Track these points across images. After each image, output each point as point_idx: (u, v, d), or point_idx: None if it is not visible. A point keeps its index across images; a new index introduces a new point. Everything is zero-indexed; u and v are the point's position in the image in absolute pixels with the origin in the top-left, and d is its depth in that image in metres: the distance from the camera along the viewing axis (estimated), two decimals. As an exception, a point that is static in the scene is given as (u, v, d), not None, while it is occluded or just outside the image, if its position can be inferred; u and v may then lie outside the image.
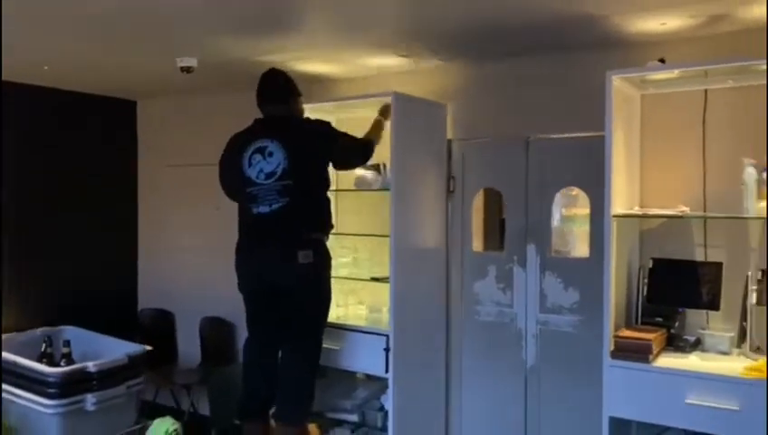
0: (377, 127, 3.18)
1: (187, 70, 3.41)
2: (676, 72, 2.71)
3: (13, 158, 4.12)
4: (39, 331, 2.70)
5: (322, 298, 3.02)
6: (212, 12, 2.68)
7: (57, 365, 2.30)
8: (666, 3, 2.51)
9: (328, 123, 3.05)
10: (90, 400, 2.16)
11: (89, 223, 4.58)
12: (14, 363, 2.26)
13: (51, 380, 2.14)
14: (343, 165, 3.15)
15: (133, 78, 4.12)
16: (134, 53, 3.44)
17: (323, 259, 2.97)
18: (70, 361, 2.36)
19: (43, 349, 2.39)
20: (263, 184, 2.86)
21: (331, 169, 3.08)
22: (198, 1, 2.53)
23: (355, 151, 3.06)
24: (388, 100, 3.18)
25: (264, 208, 2.86)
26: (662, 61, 2.83)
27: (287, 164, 2.84)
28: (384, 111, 3.22)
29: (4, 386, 2.28)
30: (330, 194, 3.14)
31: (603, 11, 2.63)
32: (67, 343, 2.39)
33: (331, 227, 3.07)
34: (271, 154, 2.87)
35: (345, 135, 3.06)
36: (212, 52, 3.29)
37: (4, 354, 2.29)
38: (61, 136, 4.44)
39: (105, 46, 3.27)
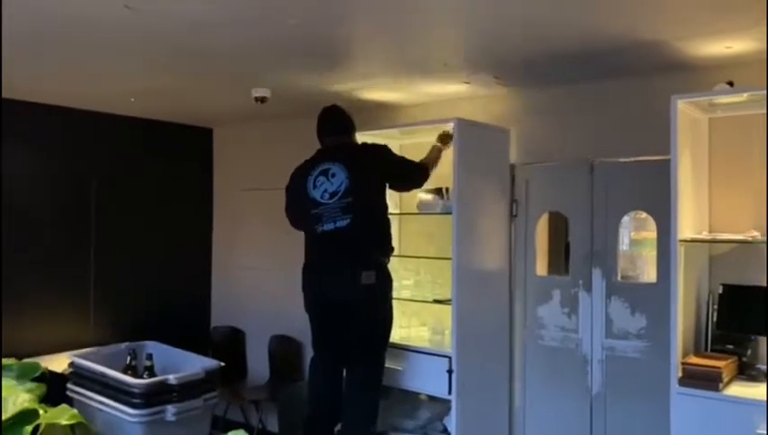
0: (434, 153, 3.30)
1: (262, 100, 3.61)
2: (744, 96, 2.67)
3: (105, 183, 4.45)
4: (124, 345, 2.90)
5: (384, 319, 3.10)
6: (285, 47, 2.85)
7: (140, 377, 2.47)
8: (729, 27, 2.50)
9: (385, 146, 3.22)
10: (170, 410, 2.30)
11: (167, 244, 4.85)
12: (102, 374, 2.44)
13: (135, 391, 2.30)
14: (401, 186, 3.29)
15: (210, 107, 4.38)
16: (212, 86, 3.67)
17: (385, 281, 3.07)
18: (152, 373, 2.52)
19: (128, 361, 2.57)
20: (327, 203, 3.01)
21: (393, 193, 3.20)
22: (272, 38, 2.71)
23: (411, 174, 3.20)
24: (451, 126, 3.26)
25: (328, 226, 3.00)
26: (730, 84, 2.80)
27: (349, 182, 2.99)
28: (443, 139, 3.32)
29: (93, 395, 2.46)
30: (393, 217, 3.25)
31: (666, 36, 2.64)
32: (150, 357, 2.57)
33: (392, 249, 3.16)
34: (334, 175, 3.03)
35: (402, 158, 3.25)
36: (284, 83, 3.47)
37: (94, 365, 2.48)
38: (143, 161, 4.74)
39: (186, 79, 3.51)
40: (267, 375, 4.65)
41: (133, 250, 4.63)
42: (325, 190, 3.03)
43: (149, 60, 3.08)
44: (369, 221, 3.06)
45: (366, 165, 3.10)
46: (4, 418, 2.02)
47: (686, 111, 2.72)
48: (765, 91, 2.46)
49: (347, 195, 2.99)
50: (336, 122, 3.24)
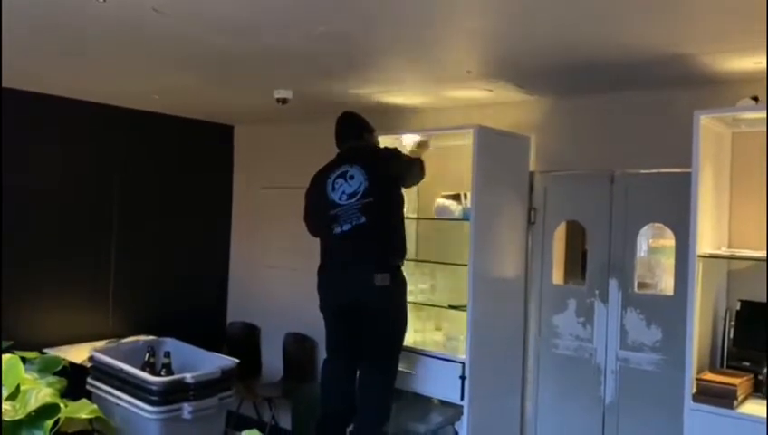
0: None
1: (283, 101, 3.63)
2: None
3: (127, 180, 4.52)
4: (142, 341, 2.96)
5: (398, 322, 3.14)
6: (309, 52, 2.87)
7: (158, 374, 2.51)
8: (761, 43, 2.46)
9: (395, 148, 3.34)
10: (186, 408, 2.35)
11: (187, 238, 4.91)
12: (121, 370, 2.49)
13: (153, 388, 2.34)
14: (408, 183, 3.34)
15: (232, 106, 4.42)
16: (235, 85, 3.70)
17: (399, 284, 3.11)
18: (169, 371, 2.56)
19: (146, 358, 2.62)
20: (345, 204, 3.06)
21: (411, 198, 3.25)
22: (298, 42, 2.73)
23: (415, 168, 3.30)
24: (471, 132, 3.26)
25: (346, 226, 3.05)
26: (755, 99, 2.77)
27: (367, 184, 3.05)
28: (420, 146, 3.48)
29: (112, 390, 2.51)
30: (410, 221, 3.29)
31: (695, 51, 2.62)
32: (168, 355, 2.61)
33: (405, 251, 3.20)
34: (352, 177, 3.09)
35: (408, 157, 3.37)
36: (306, 85, 3.50)
37: (114, 361, 2.53)
38: (164, 157, 4.79)
39: (209, 79, 3.54)
40: (281, 372, 4.69)
41: (153, 244, 4.69)
42: (343, 192, 3.08)
43: (174, 59, 3.12)
44: (385, 222, 3.11)
45: (382, 166, 3.17)
46: (26, 411, 2.07)
47: (709, 125, 2.70)
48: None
49: (366, 195, 3.04)
50: (352, 128, 3.31)
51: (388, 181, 3.15)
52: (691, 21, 2.30)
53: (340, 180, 3.11)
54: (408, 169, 3.28)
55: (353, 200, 3.05)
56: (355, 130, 3.31)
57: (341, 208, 3.07)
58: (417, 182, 3.39)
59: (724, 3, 2.11)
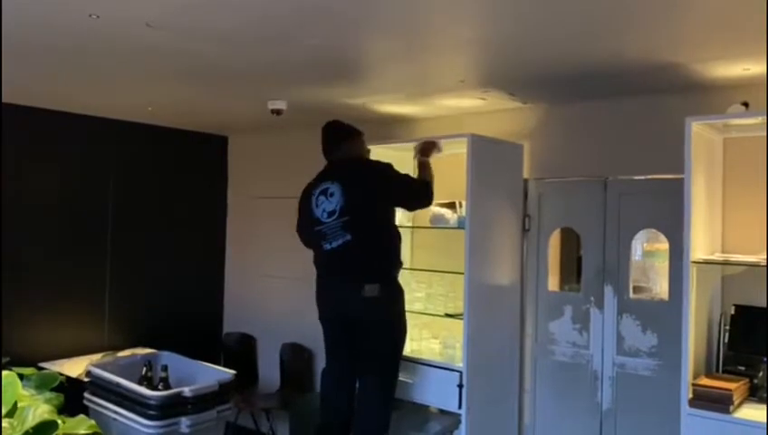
0: (424, 168, 3.25)
1: (277, 112, 3.64)
2: (758, 118, 2.66)
3: (121, 191, 4.51)
4: (140, 355, 2.95)
5: (393, 331, 3.12)
6: (302, 63, 2.89)
7: (155, 389, 2.51)
8: (750, 50, 2.50)
9: (388, 164, 3.13)
10: (184, 422, 2.34)
11: (182, 249, 4.90)
12: (118, 384, 2.48)
13: (151, 402, 2.34)
14: (408, 205, 3.28)
15: (226, 117, 4.43)
16: (229, 97, 3.71)
17: (392, 293, 3.09)
18: (167, 385, 2.56)
19: (143, 372, 2.62)
20: (327, 222, 3.06)
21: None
22: (291, 55, 2.74)
23: (416, 192, 3.15)
24: (465, 141, 3.27)
25: (334, 244, 3.05)
26: (745, 105, 2.80)
27: (344, 202, 3.02)
28: (423, 151, 3.29)
29: (109, 405, 2.51)
30: (405, 230, 3.27)
31: (685, 59, 2.65)
32: (165, 368, 2.61)
33: (400, 263, 3.17)
34: (332, 194, 3.07)
35: (406, 176, 3.18)
36: (300, 96, 3.51)
37: (111, 376, 2.53)
38: (159, 168, 4.79)
39: (203, 91, 3.56)
40: (278, 383, 4.68)
41: (148, 255, 4.69)
42: (324, 210, 3.08)
43: (169, 73, 3.13)
44: (370, 237, 3.06)
45: (364, 182, 3.08)
46: (24, 429, 2.07)
47: (700, 131, 2.72)
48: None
49: (343, 214, 3.01)
50: (334, 138, 3.23)
51: (370, 197, 3.06)
52: (681, 29, 2.33)
53: (322, 197, 3.10)
54: (405, 188, 3.13)
55: (333, 218, 3.03)
56: (336, 141, 3.21)
57: (326, 226, 3.06)
58: (424, 205, 3.22)
59: (713, 12, 2.14)
